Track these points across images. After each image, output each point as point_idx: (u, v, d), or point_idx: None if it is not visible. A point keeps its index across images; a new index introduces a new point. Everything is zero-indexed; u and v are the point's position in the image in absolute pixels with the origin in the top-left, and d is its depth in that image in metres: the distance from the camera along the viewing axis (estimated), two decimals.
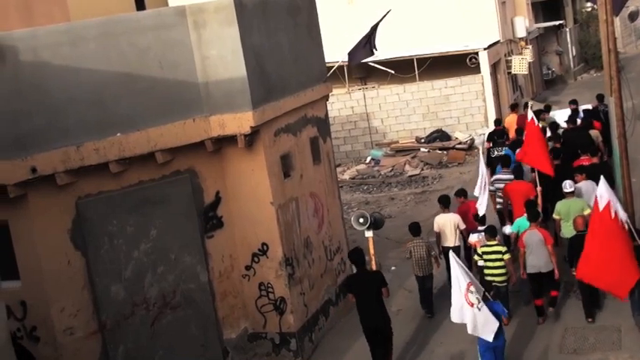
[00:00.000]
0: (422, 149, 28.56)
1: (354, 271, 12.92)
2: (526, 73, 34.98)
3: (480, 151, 16.29)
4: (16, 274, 11.80)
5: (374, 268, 14.32)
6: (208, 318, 12.96)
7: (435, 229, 15.15)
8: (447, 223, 14.95)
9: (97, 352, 12.08)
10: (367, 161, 29.25)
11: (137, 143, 11.97)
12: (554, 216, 14.68)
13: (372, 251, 14.62)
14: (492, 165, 18.51)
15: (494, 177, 16.79)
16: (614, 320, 13.19)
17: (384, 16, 17.73)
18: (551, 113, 22.56)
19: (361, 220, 14.59)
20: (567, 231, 14.10)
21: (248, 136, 12.55)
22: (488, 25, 30.86)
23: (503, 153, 18.27)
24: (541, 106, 24.79)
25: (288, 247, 13.37)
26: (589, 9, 46.64)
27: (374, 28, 17.43)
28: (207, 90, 12.52)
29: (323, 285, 14.69)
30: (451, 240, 14.89)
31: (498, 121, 21.81)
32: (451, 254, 11.59)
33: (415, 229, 14.66)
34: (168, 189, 12.59)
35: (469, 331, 11.25)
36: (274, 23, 13.57)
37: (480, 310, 11.00)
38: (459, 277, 11.13)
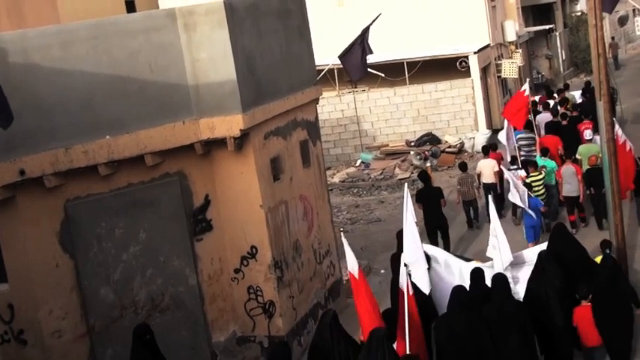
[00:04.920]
0: (412, 152, 28.57)
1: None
2: (516, 76, 34.98)
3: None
4: (3, 277, 11.76)
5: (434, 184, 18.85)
6: (197, 321, 12.94)
7: (477, 170, 19.91)
8: (487, 166, 19.61)
9: (85, 355, 12.05)
10: (357, 164, 29.22)
11: (126, 146, 11.95)
12: (577, 156, 19.05)
13: (431, 175, 19.09)
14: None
15: (518, 136, 21.29)
16: None
17: (375, 19, 17.76)
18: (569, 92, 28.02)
19: (418, 156, 21.32)
20: (586, 167, 18.43)
21: (238, 139, 12.53)
22: (478, 29, 30.88)
23: None
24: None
25: (277, 251, 13.36)
26: (579, 13, 46.80)
27: (364, 32, 17.45)
28: (197, 93, 12.50)
29: (312, 288, 14.68)
30: (489, 178, 19.50)
31: None
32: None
33: (463, 166, 19.80)
34: (157, 191, 12.57)
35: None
36: (265, 26, 13.57)
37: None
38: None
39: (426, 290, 12.04)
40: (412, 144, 29.17)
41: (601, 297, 11.71)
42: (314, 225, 15.06)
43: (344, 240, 11.84)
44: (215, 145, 12.78)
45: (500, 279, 11.62)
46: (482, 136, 28.90)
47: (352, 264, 11.49)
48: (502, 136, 21.49)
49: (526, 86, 21.53)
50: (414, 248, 12.11)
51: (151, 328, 11.27)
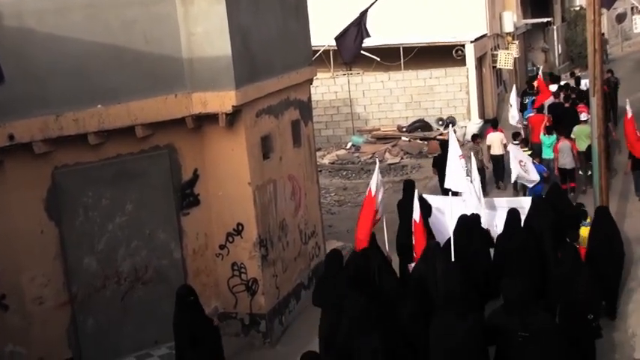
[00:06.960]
0: (403, 138, 28.58)
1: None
2: (511, 68, 35.02)
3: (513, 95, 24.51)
4: None
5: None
6: None
7: (487, 142, 21.73)
8: (495, 139, 21.49)
9: (66, 323, 12.04)
10: (348, 147, 29.24)
11: (117, 116, 11.90)
12: (572, 136, 20.60)
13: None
14: (526, 107, 25.63)
15: (527, 115, 23.72)
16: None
17: (373, 2, 17.67)
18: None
19: (440, 122, 24.37)
20: (581, 145, 20.21)
21: (229, 115, 12.50)
22: (476, 19, 30.82)
23: (532, 99, 25.68)
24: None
25: (263, 229, 13.36)
26: (577, 8, 46.78)
27: (362, 14, 17.37)
28: (191, 67, 12.45)
29: (296, 268, 14.71)
30: (498, 150, 21.30)
31: (531, 81, 29.90)
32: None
33: (475, 137, 22.10)
34: (146, 164, 12.54)
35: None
36: (262, 3, 13.50)
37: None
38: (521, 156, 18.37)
39: (480, 203, 14.22)
40: (404, 129, 29.19)
41: (596, 245, 13.14)
42: (301, 205, 15.06)
43: (377, 167, 14.56)
44: (206, 120, 12.74)
45: (513, 213, 13.40)
46: (473, 126, 28.90)
47: (372, 184, 13.82)
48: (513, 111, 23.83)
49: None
50: (457, 176, 14.29)
51: (194, 290, 11.23)
